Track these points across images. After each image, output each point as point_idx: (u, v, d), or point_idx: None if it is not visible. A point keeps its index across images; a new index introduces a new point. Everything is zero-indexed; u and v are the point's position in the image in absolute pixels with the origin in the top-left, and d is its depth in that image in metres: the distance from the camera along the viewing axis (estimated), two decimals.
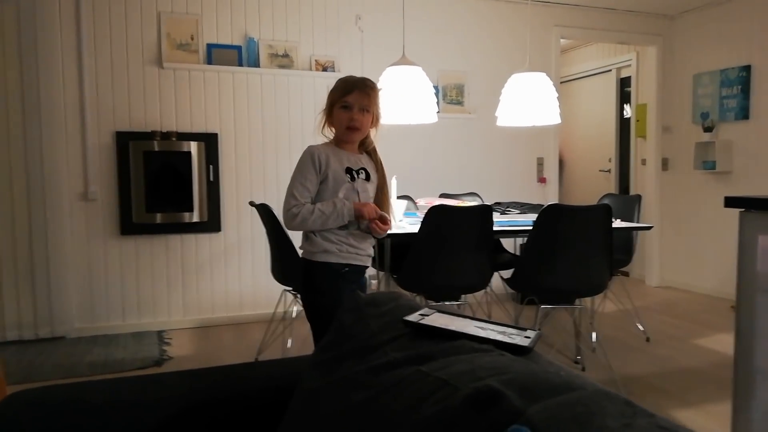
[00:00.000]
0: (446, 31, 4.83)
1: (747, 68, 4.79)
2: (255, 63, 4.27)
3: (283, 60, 4.35)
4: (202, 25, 4.17)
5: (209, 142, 4.18)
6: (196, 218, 4.14)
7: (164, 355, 3.57)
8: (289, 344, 3.57)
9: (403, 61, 3.18)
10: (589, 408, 0.72)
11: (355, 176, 2.02)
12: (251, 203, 3.36)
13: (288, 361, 1.39)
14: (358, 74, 5.00)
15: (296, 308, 3.51)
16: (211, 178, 4.19)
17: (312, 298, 2.04)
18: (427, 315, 1.14)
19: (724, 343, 3.74)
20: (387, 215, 2.03)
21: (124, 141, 3.99)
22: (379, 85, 3.20)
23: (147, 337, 3.94)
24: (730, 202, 1.80)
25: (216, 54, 4.19)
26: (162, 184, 4.06)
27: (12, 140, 3.75)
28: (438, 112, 3.29)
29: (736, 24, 4.90)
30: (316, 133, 2.11)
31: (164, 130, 4.08)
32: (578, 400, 0.76)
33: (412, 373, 0.84)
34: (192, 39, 4.14)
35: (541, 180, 5.21)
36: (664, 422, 0.78)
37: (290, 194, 1.97)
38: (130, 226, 4.03)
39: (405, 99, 3.08)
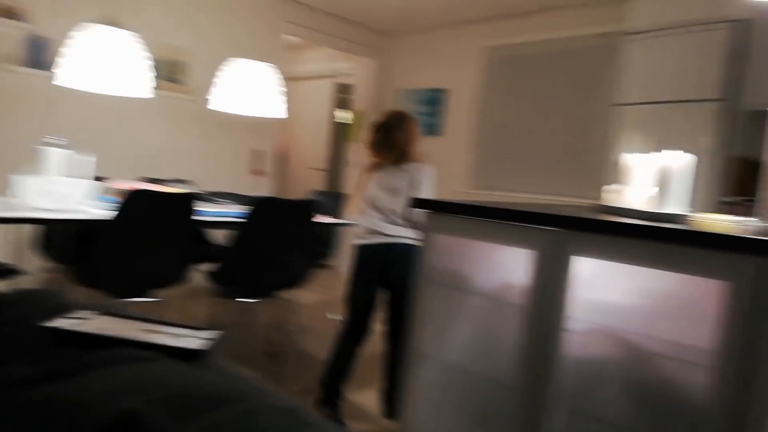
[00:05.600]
0: (170, 2, 4.43)
1: (441, 91, 5.53)
2: None
3: None
4: None
5: None
6: None
7: None
8: None
9: (110, 20, 2.78)
10: (247, 426, 0.66)
11: None
12: None
13: None
14: (48, 28, 4.15)
15: None
16: None
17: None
18: (86, 318, 0.96)
19: None
20: None
21: None
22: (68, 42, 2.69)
23: None
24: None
25: None
26: None
27: None
28: (155, 87, 2.97)
29: (436, 51, 5.62)
30: None
31: None
32: (239, 415, 0.70)
33: (37, 398, 0.67)
34: None
35: (256, 172, 5.17)
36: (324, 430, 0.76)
37: None
38: None
39: (113, 66, 2.69)
